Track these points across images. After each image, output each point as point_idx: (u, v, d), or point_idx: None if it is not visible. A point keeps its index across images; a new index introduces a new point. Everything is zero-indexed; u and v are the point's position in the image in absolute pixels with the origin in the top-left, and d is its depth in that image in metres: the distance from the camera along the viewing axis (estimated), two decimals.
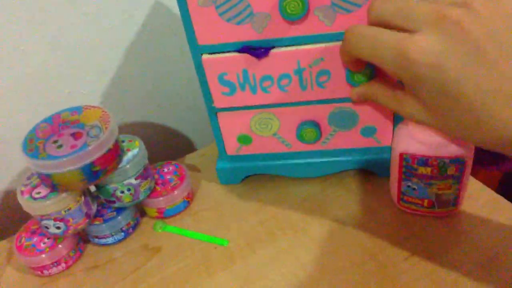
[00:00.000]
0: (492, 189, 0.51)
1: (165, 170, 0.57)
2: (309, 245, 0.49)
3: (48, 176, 0.44)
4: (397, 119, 0.50)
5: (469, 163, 0.43)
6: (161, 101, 0.67)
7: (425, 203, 0.47)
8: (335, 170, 0.55)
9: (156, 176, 0.55)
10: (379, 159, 0.53)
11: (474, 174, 0.50)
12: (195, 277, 0.48)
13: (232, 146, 0.55)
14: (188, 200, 0.56)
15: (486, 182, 0.52)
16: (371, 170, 0.55)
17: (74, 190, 0.47)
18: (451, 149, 0.42)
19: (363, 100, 0.46)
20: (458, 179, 0.44)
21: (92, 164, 0.44)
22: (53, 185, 0.45)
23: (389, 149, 0.53)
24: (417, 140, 0.43)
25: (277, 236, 0.51)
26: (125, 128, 0.66)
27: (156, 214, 0.55)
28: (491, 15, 0.30)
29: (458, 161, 0.42)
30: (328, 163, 0.54)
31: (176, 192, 0.53)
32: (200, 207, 0.57)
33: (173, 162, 0.58)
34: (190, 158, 0.65)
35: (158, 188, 0.54)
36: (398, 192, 0.48)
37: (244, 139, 0.54)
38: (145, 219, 0.56)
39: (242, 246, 0.50)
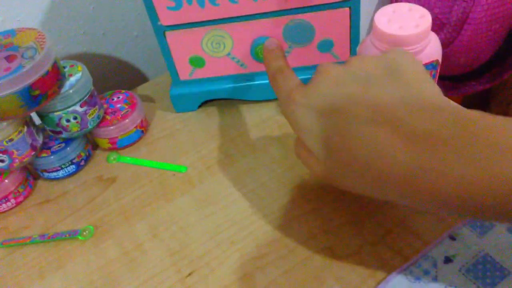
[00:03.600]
0: None
1: (115, 99, 0.53)
2: (269, 164, 0.48)
3: None
4: (353, 31, 0.49)
5: (440, 66, 0.42)
6: (105, 28, 0.63)
7: None
8: None
9: (106, 106, 0.52)
10: None
11: None
12: (154, 203, 0.46)
13: (184, 70, 0.53)
14: (142, 130, 0.53)
15: None
16: None
17: (14, 118, 0.43)
18: (427, 54, 0.40)
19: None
20: None
21: (30, 87, 0.41)
22: None
23: None
24: None
25: (236, 158, 0.49)
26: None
27: (109, 145, 0.52)
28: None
29: (432, 66, 0.41)
30: None
31: (127, 120, 0.51)
32: (156, 136, 0.54)
33: (123, 91, 0.55)
34: (143, 89, 0.62)
35: (108, 117, 0.51)
36: None
37: (197, 61, 0.51)
38: (98, 152, 0.54)
39: (201, 170, 0.49)
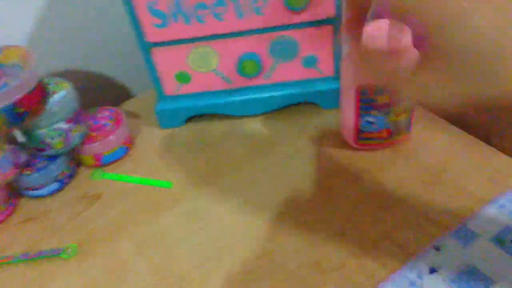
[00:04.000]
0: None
1: (100, 115, 0.53)
2: (255, 179, 0.48)
3: None
4: (336, 47, 0.50)
5: None
6: (90, 47, 0.63)
7: (384, 134, 0.46)
8: (278, 106, 0.54)
9: (90, 122, 0.52)
10: (322, 90, 0.53)
11: None
12: (139, 218, 0.46)
13: (170, 86, 0.53)
14: (128, 146, 0.53)
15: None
16: (315, 103, 0.54)
17: None
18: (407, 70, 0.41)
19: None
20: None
21: (15, 105, 0.41)
22: None
23: (332, 79, 0.53)
24: (370, 69, 0.41)
25: (222, 173, 0.49)
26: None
27: (94, 162, 0.52)
28: None
29: None
30: (271, 98, 0.53)
31: (112, 137, 0.51)
32: (141, 153, 0.54)
33: (108, 107, 0.55)
34: (128, 105, 0.62)
35: (93, 134, 0.51)
36: (356, 131, 0.46)
37: (183, 77, 0.52)
38: (82, 169, 0.53)
39: (187, 186, 0.49)
